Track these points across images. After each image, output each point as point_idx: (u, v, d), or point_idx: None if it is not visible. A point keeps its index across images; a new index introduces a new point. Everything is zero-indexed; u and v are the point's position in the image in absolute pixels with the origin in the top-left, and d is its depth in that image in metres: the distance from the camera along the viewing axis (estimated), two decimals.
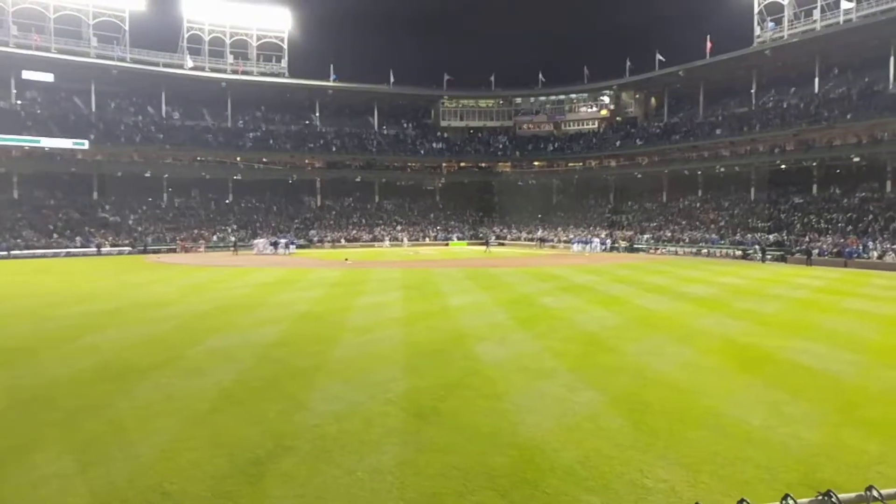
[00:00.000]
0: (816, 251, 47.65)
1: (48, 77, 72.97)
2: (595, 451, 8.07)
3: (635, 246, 64.80)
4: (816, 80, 65.79)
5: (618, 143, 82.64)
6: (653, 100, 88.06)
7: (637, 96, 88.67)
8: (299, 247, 64.62)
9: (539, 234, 76.08)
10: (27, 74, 71.75)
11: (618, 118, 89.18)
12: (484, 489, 7.01)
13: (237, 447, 8.26)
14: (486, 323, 18.28)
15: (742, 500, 1.55)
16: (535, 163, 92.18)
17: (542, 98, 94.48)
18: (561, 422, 9.27)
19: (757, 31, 69.25)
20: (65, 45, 72.30)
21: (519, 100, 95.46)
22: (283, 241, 62.95)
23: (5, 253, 55.71)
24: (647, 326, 17.71)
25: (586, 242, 65.95)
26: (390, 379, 11.82)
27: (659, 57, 76.45)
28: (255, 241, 63.85)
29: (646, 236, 66.70)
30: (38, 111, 72.12)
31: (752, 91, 71.80)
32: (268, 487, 7.07)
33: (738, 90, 74.32)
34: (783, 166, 65.03)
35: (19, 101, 72.48)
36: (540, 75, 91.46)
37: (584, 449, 8.17)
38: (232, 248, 63.66)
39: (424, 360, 13.49)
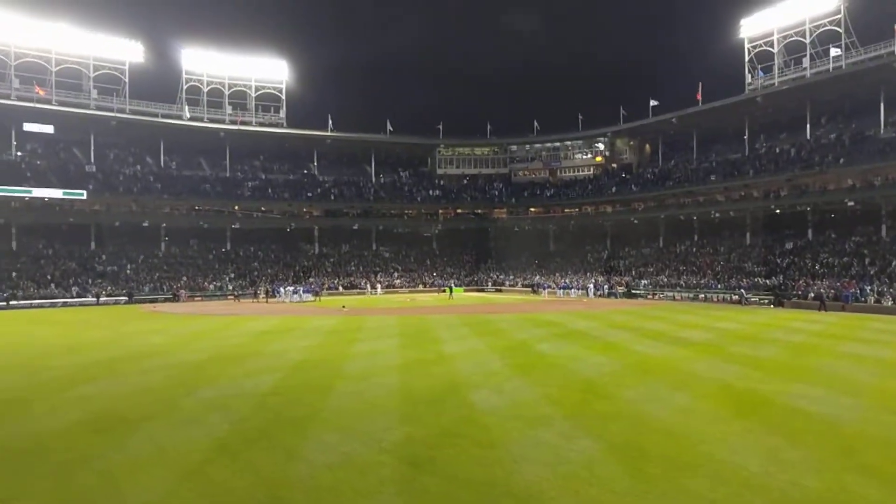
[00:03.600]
0: (813, 295, 47.69)
1: (49, 129, 73.89)
2: (592, 500, 7.97)
3: (633, 291, 64.80)
4: (808, 125, 66.86)
5: (613, 189, 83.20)
6: (647, 146, 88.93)
7: (631, 143, 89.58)
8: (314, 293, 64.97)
9: (536, 279, 76.05)
10: (28, 126, 72.59)
11: (613, 164, 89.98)
12: None
13: (230, 499, 8.16)
14: (481, 370, 18.17)
15: None
16: (532, 209, 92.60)
17: (538, 145, 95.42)
18: (557, 470, 9.17)
19: (748, 78, 70.37)
20: (65, 97, 73.22)
21: (514, 147, 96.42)
22: (301, 289, 64.87)
23: (4, 304, 55.57)
24: (643, 372, 17.61)
25: (567, 287, 67.08)
26: (385, 427, 11.71)
27: (652, 102, 77.48)
28: (280, 289, 64.77)
29: (643, 281, 66.75)
30: (38, 162, 72.75)
31: (745, 137, 72.69)
32: None
33: (731, 136, 75.26)
34: (778, 211, 65.44)
35: (20, 153, 73.17)
36: (535, 123, 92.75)
37: (580, 498, 8.07)
38: (232, 296, 64.83)
39: (420, 408, 13.38)
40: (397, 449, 10.38)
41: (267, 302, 60.45)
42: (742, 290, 54.14)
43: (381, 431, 11.43)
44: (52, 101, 71.87)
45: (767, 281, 55.23)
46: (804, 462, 9.50)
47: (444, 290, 70.35)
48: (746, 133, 72.59)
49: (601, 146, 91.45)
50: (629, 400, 13.96)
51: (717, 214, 70.44)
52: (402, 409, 13.33)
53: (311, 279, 74.61)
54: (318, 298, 62.11)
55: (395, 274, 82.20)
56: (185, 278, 70.50)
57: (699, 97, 72.46)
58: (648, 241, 78.33)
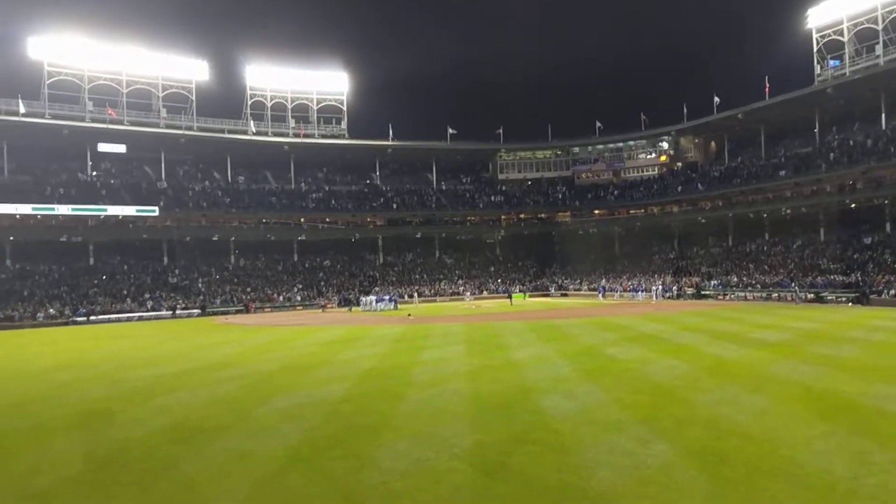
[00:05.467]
0: (893, 291, 45.84)
1: (121, 148, 76.61)
2: None
3: (703, 292, 63.43)
4: (883, 115, 64.18)
5: (679, 189, 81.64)
6: (712, 143, 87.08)
7: (696, 141, 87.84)
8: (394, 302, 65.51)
9: (602, 282, 75.09)
10: (102, 147, 75.39)
11: (678, 163, 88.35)
12: None
13: None
14: (550, 376, 18.01)
15: None
16: (596, 211, 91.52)
17: (600, 146, 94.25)
18: (633, 475, 9.00)
19: (817, 69, 68.29)
20: (136, 118, 75.88)
21: (576, 149, 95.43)
22: (387, 297, 65.43)
23: (84, 319, 57.74)
24: (718, 375, 17.18)
25: (635, 290, 66.11)
26: (456, 434, 11.69)
27: (717, 100, 75.88)
28: (363, 299, 65.99)
29: (713, 282, 65.27)
30: (112, 181, 75.57)
31: (816, 130, 70.38)
32: None
33: (800, 130, 72.99)
34: (853, 205, 63.20)
35: (95, 173, 76.04)
36: (597, 124, 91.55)
37: (658, 502, 7.90)
38: (320, 307, 67.58)
39: (490, 414, 13.32)
40: (469, 455, 10.35)
41: (350, 311, 61.84)
42: (795, 287, 52.78)
43: (453, 438, 11.41)
44: (123, 122, 74.59)
45: (845, 278, 53.28)
46: (894, 465, 9.10)
47: (509, 296, 70.10)
48: (817, 126, 70.30)
49: (665, 145, 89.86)
50: (704, 403, 13.62)
51: (788, 211, 68.50)
52: (472, 415, 13.30)
53: (377, 288, 75.27)
54: (397, 307, 62.34)
55: (460, 281, 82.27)
56: (249, 290, 71.97)
57: (767, 91, 70.55)
58: (717, 241, 76.62)
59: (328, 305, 68.03)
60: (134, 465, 10.51)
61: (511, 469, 9.53)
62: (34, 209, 67.41)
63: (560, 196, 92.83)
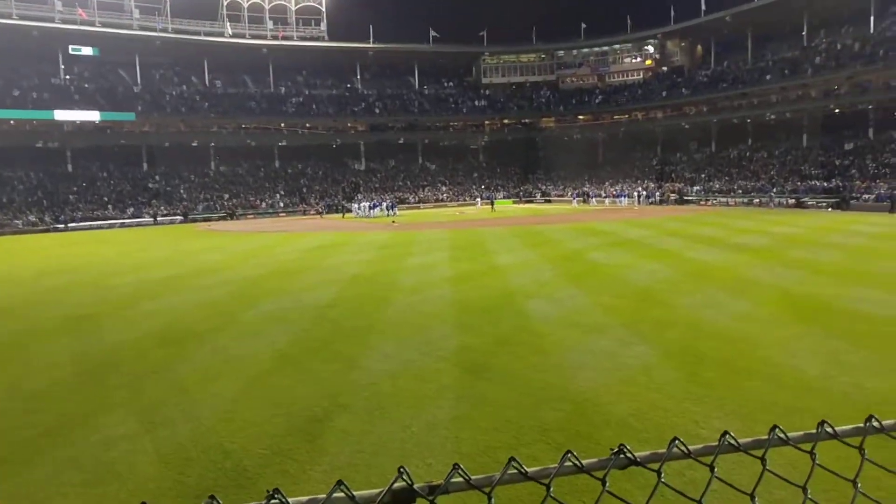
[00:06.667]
0: (873, 196, 46.34)
1: (94, 51, 74.07)
2: (649, 404, 8.04)
3: (685, 198, 63.79)
4: (872, 18, 63.15)
5: (664, 94, 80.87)
6: (699, 47, 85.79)
7: (683, 44, 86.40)
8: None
9: (585, 189, 75.24)
10: (74, 50, 72.92)
11: (663, 68, 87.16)
12: (537, 442, 7.05)
13: (294, 406, 8.44)
14: (534, 280, 18.24)
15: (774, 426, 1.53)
16: (580, 117, 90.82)
17: (585, 50, 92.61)
18: (613, 376, 9.24)
19: None
20: (108, 18, 73.20)
21: (561, 52, 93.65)
22: (384, 203, 64.45)
23: (63, 226, 57.32)
24: (699, 279, 17.48)
25: (619, 196, 66.25)
26: (442, 337, 11.91)
27: (703, 3, 74.23)
28: (354, 205, 65.61)
29: (696, 188, 65.58)
30: (86, 85, 73.52)
31: (804, 34, 69.38)
32: (325, 444, 7.22)
33: (787, 33, 71.94)
34: (837, 111, 62.98)
35: (68, 76, 73.88)
36: (582, 26, 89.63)
37: (637, 402, 8.15)
38: (315, 211, 68.56)
39: (475, 317, 13.54)
40: (455, 357, 10.57)
41: (343, 217, 61.63)
42: (772, 193, 53.35)
43: (439, 340, 11.63)
44: (95, 23, 72.03)
45: (826, 184, 53.66)
46: (866, 364, 9.39)
47: (487, 204, 69.76)
48: (805, 29, 69.28)
49: (651, 49, 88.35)
50: (685, 306, 13.91)
51: (773, 116, 68.31)
52: (457, 319, 13.52)
53: (359, 195, 74.99)
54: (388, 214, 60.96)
55: (443, 188, 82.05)
56: (230, 196, 71.51)
57: None
58: (701, 147, 76.64)
59: (322, 212, 67.75)
60: (124, 368, 10.67)
61: (495, 370, 9.76)
62: (6, 114, 65.75)
63: (544, 101, 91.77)
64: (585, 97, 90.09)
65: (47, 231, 55.63)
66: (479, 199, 74.96)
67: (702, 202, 61.46)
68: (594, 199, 69.23)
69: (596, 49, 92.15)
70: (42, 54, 70.93)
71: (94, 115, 69.32)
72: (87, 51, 73.76)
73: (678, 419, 7.54)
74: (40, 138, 68.20)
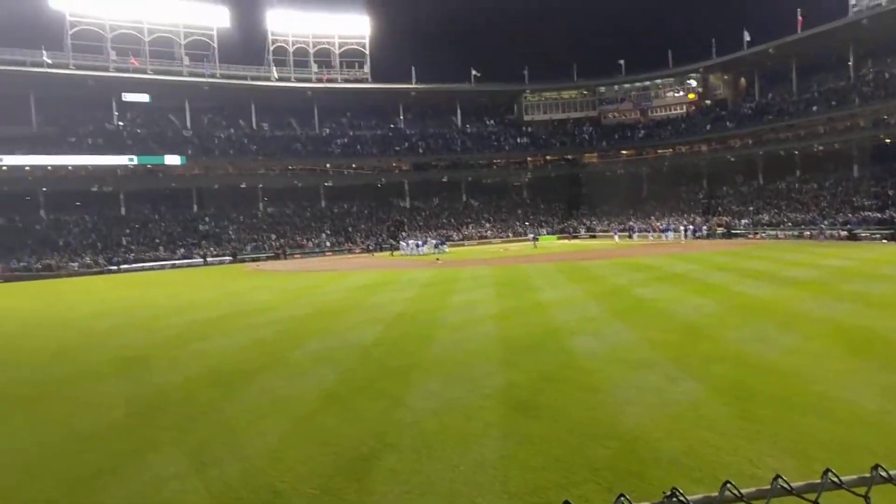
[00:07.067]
0: None
1: (145, 97, 76.70)
2: (700, 441, 7.89)
3: (733, 231, 62.87)
4: None
5: (708, 127, 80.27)
6: (742, 80, 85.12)
7: (725, 77, 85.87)
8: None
9: (630, 223, 74.62)
10: (127, 97, 75.58)
11: (707, 101, 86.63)
12: (587, 482, 6.96)
13: (341, 446, 8.47)
14: (579, 316, 18.10)
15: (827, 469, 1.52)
16: (623, 152, 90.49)
17: (627, 85, 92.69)
18: (662, 412, 9.10)
19: (852, 0, 65.93)
20: (159, 66, 75.83)
21: (602, 88, 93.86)
22: (433, 241, 65.27)
23: (115, 268, 58.79)
24: (747, 313, 17.16)
25: (666, 230, 65.33)
26: (487, 374, 11.87)
27: (747, 35, 73.85)
28: (402, 244, 66.49)
29: (743, 221, 64.61)
30: (139, 131, 76.01)
31: (850, 63, 68.44)
32: (373, 484, 7.23)
33: (833, 64, 71.14)
34: (888, 140, 61.70)
35: (121, 123, 76.44)
36: (623, 63, 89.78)
37: (688, 439, 8.00)
38: (370, 251, 69.10)
39: (520, 354, 13.48)
40: (500, 394, 10.52)
41: (392, 255, 62.08)
42: (822, 225, 52.28)
43: (483, 378, 11.59)
44: (147, 71, 74.68)
45: (879, 215, 52.41)
46: None
47: (536, 239, 69.66)
48: (851, 59, 68.39)
49: (693, 83, 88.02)
50: (733, 341, 13.66)
51: (821, 147, 67.13)
52: (502, 356, 13.47)
53: (403, 233, 75.54)
54: (436, 251, 60.86)
55: (487, 225, 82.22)
56: (277, 236, 72.59)
57: (800, 24, 68.36)
58: (747, 179, 75.62)
59: (372, 250, 68.62)
60: (173, 409, 10.83)
61: (541, 407, 9.69)
62: (64, 161, 68.26)
63: (586, 137, 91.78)
64: (628, 132, 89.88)
65: (101, 273, 57.13)
66: (531, 236, 74.18)
67: (750, 235, 60.49)
68: (636, 234, 68.51)
69: (637, 84, 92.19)
70: (97, 102, 73.69)
71: (145, 160, 71.42)
72: (139, 97, 76.46)
73: (730, 457, 7.38)
74: (95, 183, 70.52)
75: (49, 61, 68.73)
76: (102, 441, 9.27)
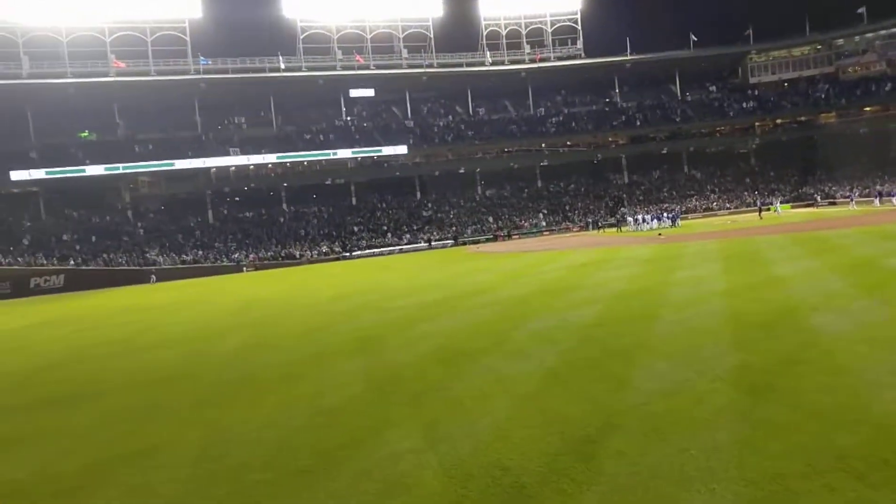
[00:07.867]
0: None
1: (370, 92, 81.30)
2: None
3: None
4: None
5: None
6: None
7: None
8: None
9: (878, 187, 67.37)
10: (353, 92, 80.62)
11: None
12: (834, 470, 6.40)
13: (567, 425, 8.46)
14: (820, 292, 16.63)
15: None
16: (867, 108, 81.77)
17: (869, 34, 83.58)
18: None
19: None
20: (381, 61, 79.90)
21: (840, 41, 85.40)
22: (664, 215, 63.45)
23: (349, 254, 63.17)
24: None
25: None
26: (716, 355, 11.29)
27: None
28: (629, 218, 65.76)
29: None
30: (364, 124, 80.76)
31: None
32: (601, 465, 7.15)
33: None
34: None
35: (348, 118, 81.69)
36: (864, 8, 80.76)
37: None
38: (598, 227, 67.94)
39: (752, 334, 12.68)
40: (732, 377, 9.96)
41: (619, 231, 61.23)
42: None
43: (713, 359, 11.04)
44: (370, 67, 78.95)
45: None
46: None
47: (767, 209, 64.91)
48: None
49: None
50: None
51: None
52: (732, 335, 12.75)
53: (623, 208, 73.95)
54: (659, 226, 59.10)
55: (712, 196, 78.25)
56: (495, 218, 73.87)
57: None
58: None
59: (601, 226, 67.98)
60: (406, 387, 11.42)
61: (779, 391, 9.06)
62: (300, 157, 74.51)
63: (821, 95, 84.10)
64: (872, 86, 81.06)
65: (337, 259, 61.68)
66: (774, 202, 69.62)
67: None
68: (879, 200, 61.53)
69: (883, 32, 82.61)
70: (327, 100, 79.32)
71: (372, 151, 75.86)
72: (364, 92, 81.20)
73: None
74: (328, 176, 76.14)
75: (283, 66, 74.93)
76: (344, 416, 9.99)
